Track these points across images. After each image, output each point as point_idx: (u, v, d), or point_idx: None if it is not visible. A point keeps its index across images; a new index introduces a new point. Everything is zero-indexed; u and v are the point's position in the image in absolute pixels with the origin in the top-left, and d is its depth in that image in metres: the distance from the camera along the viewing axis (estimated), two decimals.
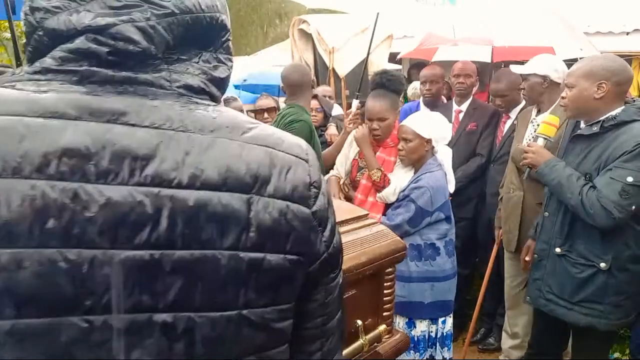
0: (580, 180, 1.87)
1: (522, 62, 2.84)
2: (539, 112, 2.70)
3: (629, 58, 4.40)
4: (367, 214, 1.95)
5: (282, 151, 0.68)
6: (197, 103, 0.65)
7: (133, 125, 0.58)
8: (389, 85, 2.35)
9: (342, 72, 4.18)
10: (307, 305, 0.72)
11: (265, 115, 3.72)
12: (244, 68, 8.11)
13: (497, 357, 3.09)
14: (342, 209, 1.88)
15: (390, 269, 1.92)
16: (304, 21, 4.83)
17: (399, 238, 1.99)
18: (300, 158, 0.69)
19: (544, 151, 2.03)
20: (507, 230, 2.73)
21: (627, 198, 1.75)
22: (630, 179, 1.74)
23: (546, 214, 2.08)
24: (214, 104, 0.68)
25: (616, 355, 2.94)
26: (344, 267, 1.59)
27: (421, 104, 3.62)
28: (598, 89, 1.84)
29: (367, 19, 3.37)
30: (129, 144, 0.57)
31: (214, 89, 0.69)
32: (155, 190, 0.57)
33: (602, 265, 1.87)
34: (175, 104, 0.62)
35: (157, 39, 0.62)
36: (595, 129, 1.87)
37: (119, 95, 0.60)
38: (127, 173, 0.56)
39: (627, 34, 4.44)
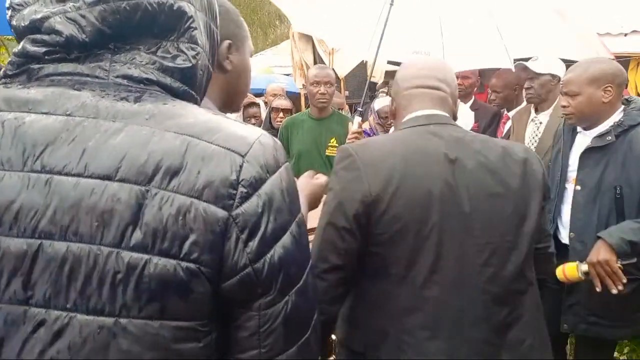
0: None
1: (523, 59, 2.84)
2: (536, 110, 2.71)
3: (626, 59, 4.42)
4: None
5: (209, 142, 0.59)
6: (130, 92, 0.62)
7: (46, 113, 0.59)
8: None
9: (342, 73, 4.20)
10: (237, 333, 0.62)
11: (282, 115, 3.61)
12: None
13: None
14: None
15: None
16: None
17: None
18: (232, 151, 0.59)
19: (601, 252, 1.72)
20: None
21: None
22: None
23: (572, 234, 1.94)
24: (160, 93, 0.64)
25: (614, 354, 2.96)
26: None
27: None
28: (605, 92, 1.83)
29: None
30: (32, 131, 0.58)
31: (168, 79, 0.65)
32: (45, 177, 0.56)
33: None
34: (102, 92, 0.61)
35: (88, 27, 0.61)
36: (610, 138, 1.82)
37: (46, 87, 0.61)
38: (22, 159, 0.57)
39: (625, 35, 4.46)
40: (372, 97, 4.52)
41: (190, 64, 0.67)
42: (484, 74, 3.82)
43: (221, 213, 0.58)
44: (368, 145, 1.14)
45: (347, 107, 4.49)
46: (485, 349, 1.06)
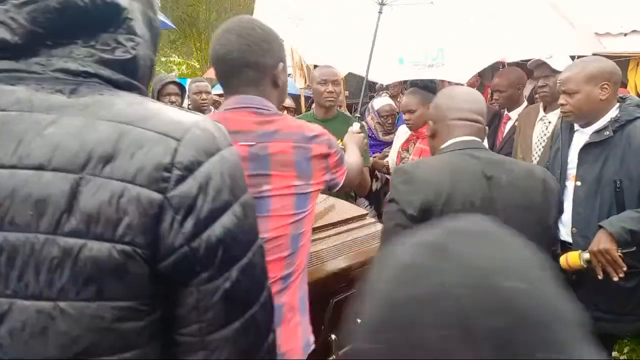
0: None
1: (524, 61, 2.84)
2: (545, 109, 2.69)
3: (626, 59, 4.42)
4: (367, 214, 1.97)
5: (144, 128, 0.61)
6: (67, 84, 0.63)
7: None
8: (420, 83, 2.75)
9: (341, 72, 4.18)
10: (177, 309, 0.64)
11: (286, 113, 3.67)
12: None
13: None
14: (341, 209, 1.89)
15: None
16: None
17: None
18: (166, 136, 0.61)
19: (602, 240, 1.77)
20: None
21: None
22: None
23: (574, 230, 1.96)
24: (97, 85, 0.65)
25: (614, 354, 2.96)
26: (342, 266, 1.60)
27: None
28: (602, 90, 1.87)
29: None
30: None
31: (107, 71, 0.67)
32: None
33: None
34: (38, 86, 0.62)
35: (19, 29, 0.62)
36: (608, 133, 1.86)
37: None
38: None
39: (625, 35, 4.46)
40: (372, 97, 4.52)
41: (130, 56, 0.68)
42: (483, 73, 3.82)
43: (155, 195, 0.59)
44: (419, 165, 1.42)
45: (344, 106, 4.48)
46: None
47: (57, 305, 0.57)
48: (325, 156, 1.21)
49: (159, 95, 3.23)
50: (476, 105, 1.46)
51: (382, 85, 4.88)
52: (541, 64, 2.65)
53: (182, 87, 3.32)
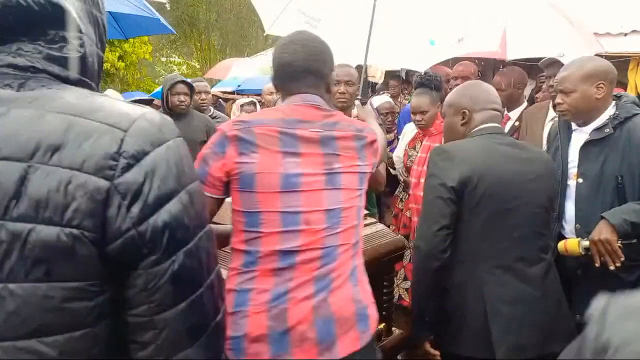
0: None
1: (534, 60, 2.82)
2: (555, 107, 2.69)
3: (627, 59, 4.42)
4: (367, 214, 1.97)
5: (91, 119, 0.64)
6: (16, 79, 0.66)
7: None
8: (428, 83, 2.68)
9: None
10: (127, 291, 0.66)
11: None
12: (243, 71, 8.13)
13: None
14: None
15: (389, 268, 1.94)
16: None
17: (399, 237, 2.00)
18: (114, 127, 0.64)
19: (603, 231, 1.77)
20: None
21: None
22: None
23: (577, 226, 1.98)
24: (46, 80, 0.68)
25: None
26: None
27: None
28: (597, 89, 1.89)
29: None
30: None
31: (56, 67, 0.69)
32: None
33: None
34: None
35: None
36: (608, 130, 1.88)
37: None
38: None
39: (625, 35, 4.46)
40: (372, 96, 4.53)
41: (79, 54, 0.71)
42: (483, 73, 3.82)
43: (102, 182, 0.62)
44: (457, 145, 1.62)
45: None
46: None
47: (6, 287, 0.60)
48: (373, 142, 1.39)
49: (169, 94, 3.22)
50: (496, 96, 1.74)
51: (382, 86, 4.88)
52: (553, 63, 2.64)
53: (191, 87, 3.30)
